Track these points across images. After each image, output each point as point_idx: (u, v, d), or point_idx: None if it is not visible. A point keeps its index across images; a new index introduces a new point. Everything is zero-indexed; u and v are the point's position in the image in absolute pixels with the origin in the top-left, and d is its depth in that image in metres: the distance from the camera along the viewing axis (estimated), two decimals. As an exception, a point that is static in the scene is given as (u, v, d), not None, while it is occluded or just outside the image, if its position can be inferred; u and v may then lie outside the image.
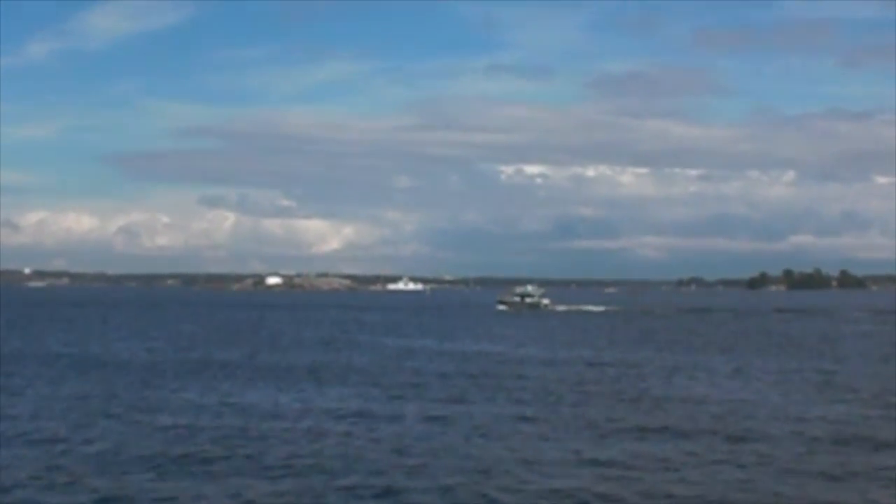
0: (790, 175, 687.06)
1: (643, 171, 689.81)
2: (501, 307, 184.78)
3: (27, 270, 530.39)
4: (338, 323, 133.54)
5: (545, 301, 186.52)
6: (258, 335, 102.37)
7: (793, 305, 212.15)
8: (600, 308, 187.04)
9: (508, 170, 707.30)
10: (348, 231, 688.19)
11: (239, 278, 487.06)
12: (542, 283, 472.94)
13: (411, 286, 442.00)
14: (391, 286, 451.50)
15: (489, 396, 49.16)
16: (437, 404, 45.88)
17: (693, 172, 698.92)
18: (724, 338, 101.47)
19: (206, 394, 49.34)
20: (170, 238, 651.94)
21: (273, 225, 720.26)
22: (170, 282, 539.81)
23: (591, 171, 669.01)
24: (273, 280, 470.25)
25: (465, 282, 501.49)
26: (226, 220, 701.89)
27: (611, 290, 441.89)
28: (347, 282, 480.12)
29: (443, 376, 59.38)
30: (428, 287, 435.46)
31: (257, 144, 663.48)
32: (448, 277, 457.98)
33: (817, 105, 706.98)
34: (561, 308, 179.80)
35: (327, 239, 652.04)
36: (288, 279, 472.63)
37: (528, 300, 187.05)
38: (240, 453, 33.27)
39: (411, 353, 79.03)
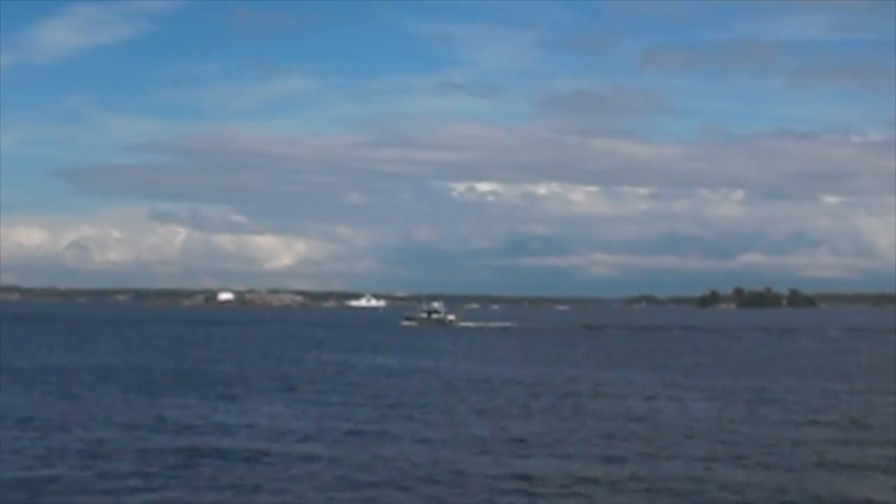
0: (739, 194, 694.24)
1: (594, 189, 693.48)
2: (407, 323, 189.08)
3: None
4: (280, 338, 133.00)
5: (451, 317, 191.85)
6: (203, 351, 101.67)
7: (711, 324, 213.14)
8: (505, 324, 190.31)
9: (460, 187, 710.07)
10: (300, 247, 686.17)
11: (190, 294, 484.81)
12: (494, 300, 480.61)
13: (374, 303, 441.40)
14: (353, 303, 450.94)
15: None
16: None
17: (643, 191, 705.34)
18: (613, 353, 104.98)
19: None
20: (121, 253, 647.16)
21: (225, 240, 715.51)
22: (121, 297, 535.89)
23: (542, 189, 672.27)
24: (225, 296, 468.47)
25: (418, 298, 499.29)
26: (177, 236, 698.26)
27: (562, 307, 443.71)
28: (300, 298, 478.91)
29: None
30: (380, 304, 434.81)
31: (209, 160, 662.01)
32: (401, 294, 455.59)
33: (766, 125, 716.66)
34: (466, 324, 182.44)
35: (279, 255, 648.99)
36: (240, 295, 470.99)
37: (434, 316, 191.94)
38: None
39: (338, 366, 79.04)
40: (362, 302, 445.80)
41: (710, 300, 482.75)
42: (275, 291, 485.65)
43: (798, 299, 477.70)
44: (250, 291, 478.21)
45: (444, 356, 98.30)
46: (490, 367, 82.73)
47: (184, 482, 31.71)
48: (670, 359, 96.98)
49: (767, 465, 35.66)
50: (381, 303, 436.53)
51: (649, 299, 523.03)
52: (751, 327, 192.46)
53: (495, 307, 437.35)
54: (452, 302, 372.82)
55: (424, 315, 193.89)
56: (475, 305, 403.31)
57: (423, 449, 38.42)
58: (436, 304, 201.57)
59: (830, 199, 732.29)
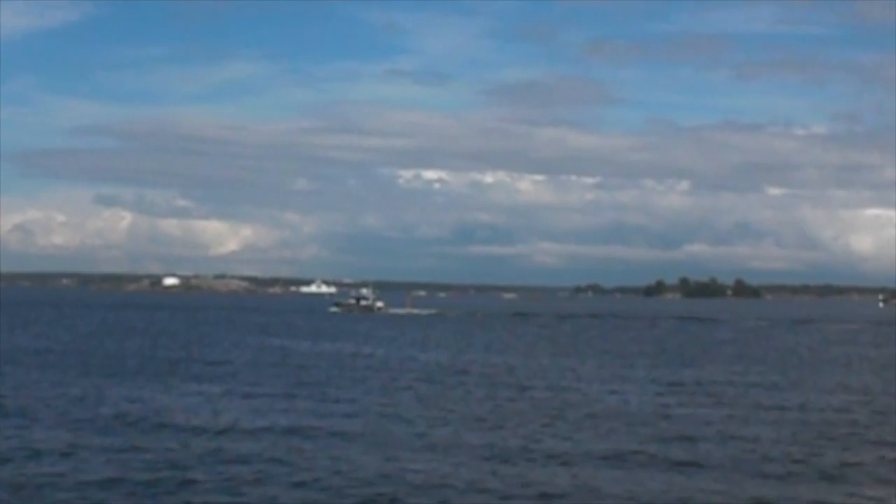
0: (685, 185, 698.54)
1: (540, 178, 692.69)
2: (335, 309, 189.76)
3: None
4: (218, 324, 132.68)
5: (379, 304, 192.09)
6: (141, 336, 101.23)
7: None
8: (432, 311, 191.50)
9: (407, 174, 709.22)
10: (247, 232, 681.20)
11: (135, 279, 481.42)
12: (441, 287, 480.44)
13: (324, 289, 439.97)
14: (304, 289, 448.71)
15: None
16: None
17: (590, 180, 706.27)
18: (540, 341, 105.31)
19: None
20: (65, 237, 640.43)
21: (170, 225, 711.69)
22: (65, 281, 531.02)
23: (489, 178, 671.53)
24: (170, 281, 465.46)
25: (365, 285, 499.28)
26: (122, 220, 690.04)
27: (509, 295, 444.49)
28: (246, 284, 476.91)
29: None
30: (331, 290, 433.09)
31: (155, 144, 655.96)
32: (348, 280, 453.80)
33: (712, 117, 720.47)
34: (395, 311, 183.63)
35: (225, 240, 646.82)
36: (185, 280, 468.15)
37: (363, 303, 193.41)
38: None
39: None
40: (313, 288, 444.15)
41: (655, 290, 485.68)
42: (221, 277, 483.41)
43: (743, 290, 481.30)
44: (196, 277, 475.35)
45: (383, 342, 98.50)
46: (427, 354, 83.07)
47: (108, 463, 31.69)
48: (582, 344, 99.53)
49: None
50: (332, 289, 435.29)
51: (596, 288, 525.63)
52: (668, 315, 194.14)
53: (442, 294, 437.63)
54: (399, 289, 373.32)
55: (353, 301, 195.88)
56: (422, 293, 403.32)
57: (345, 443, 38.43)
58: (364, 291, 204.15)
59: (775, 191, 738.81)
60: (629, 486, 29.49)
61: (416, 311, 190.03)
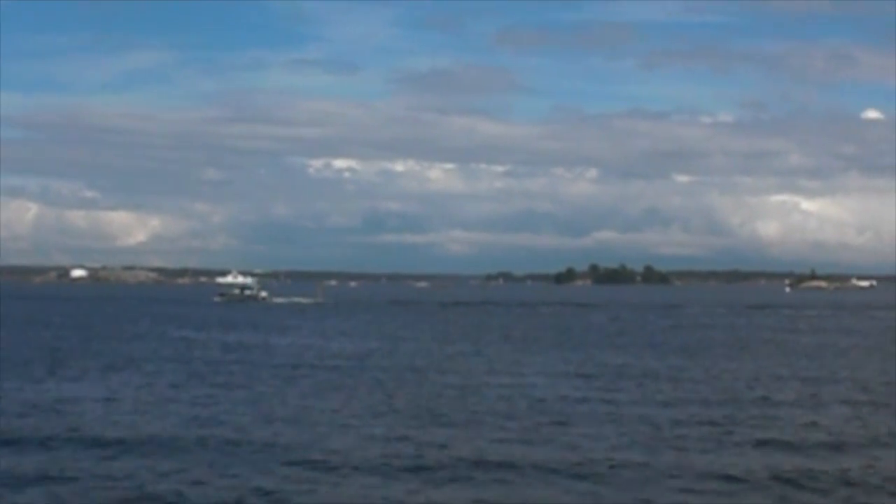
0: (593, 172, 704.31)
1: (450, 166, 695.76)
2: (219, 299, 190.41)
3: None
4: (120, 315, 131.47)
5: (263, 293, 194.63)
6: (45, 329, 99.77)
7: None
8: (312, 300, 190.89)
9: (317, 163, 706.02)
10: (155, 223, 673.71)
11: (42, 270, 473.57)
12: (352, 276, 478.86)
13: (240, 279, 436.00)
14: (220, 279, 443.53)
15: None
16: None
17: (499, 169, 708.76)
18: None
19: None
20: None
21: (77, 216, 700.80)
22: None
23: (399, 166, 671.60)
24: (78, 272, 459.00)
25: (276, 275, 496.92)
26: (27, 211, 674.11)
27: (421, 284, 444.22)
28: (154, 275, 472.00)
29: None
30: (247, 280, 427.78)
31: (61, 134, 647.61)
32: (258, 271, 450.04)
33: (619, 105, 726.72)
34: (278, 300, 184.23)
35: (133, 231, 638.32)
36: (93, 272, 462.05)
37: (247, 292, 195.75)
38: None
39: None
40: (229, 278, 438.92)
41: (566, 277, 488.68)
42: (129, 268, 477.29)
43: (652, 276, 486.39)
44: (104, 268, 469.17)
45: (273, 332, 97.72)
46: (331, 343, 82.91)
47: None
48: (461, 331, 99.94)
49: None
50: (249, 279, 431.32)
51: (506, 276, 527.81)
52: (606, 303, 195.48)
53: (353, 284, 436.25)
54: (310, 278, 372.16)
55: (237, 291, 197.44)
56: (333, 282, 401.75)
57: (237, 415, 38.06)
58: (249, 281, 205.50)
59: (682, 178, 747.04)
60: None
61: (299, 299, 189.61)
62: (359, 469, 28.87)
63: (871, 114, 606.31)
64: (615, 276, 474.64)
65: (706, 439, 33.66)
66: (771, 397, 45.05)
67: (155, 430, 34.95)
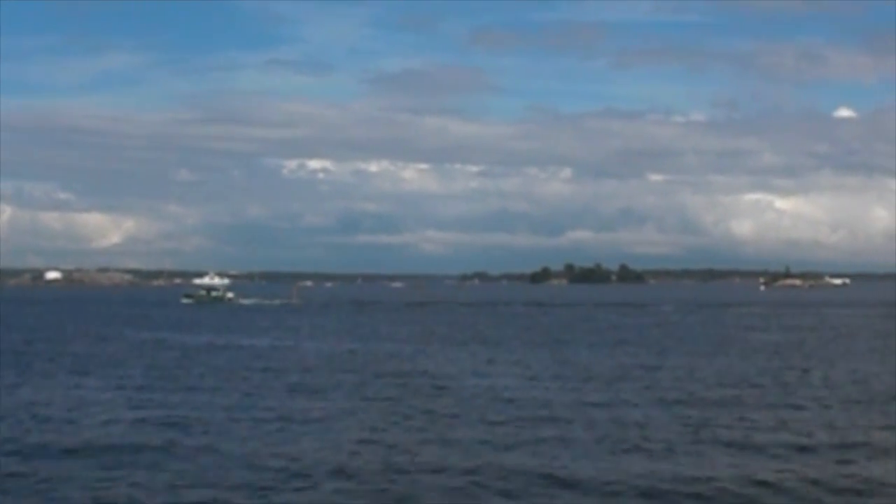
0: (567, 172, 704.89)
1: (425, 166, 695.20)
2: (186, 300, 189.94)
3: None
4: (92, 318, 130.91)
5: (229, 295, 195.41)
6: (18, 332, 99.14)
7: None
8: (284, 301, 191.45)
9: (291, 164, 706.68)
10: (129, 225, 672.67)
11: (16, 273, 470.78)
12: (327, 277, 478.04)
13: (217, 280, 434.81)
14: (197, 280, 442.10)
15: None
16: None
17: (474, 169, 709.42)
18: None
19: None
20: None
21: (51, 218, 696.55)
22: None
23: (373, 167, 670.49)
24: (52, 275, 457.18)
25: (251, 277, 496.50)
26: (1, 214, 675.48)
27: (397, 284, 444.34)
28: (129, 277, 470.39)
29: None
30: (224, 282, 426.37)
31: (34, 136, 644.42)
32: (233, 272, 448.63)
33: (592, 104, 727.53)
34: (245, 301, 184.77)
35: (107, 233, 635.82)
36: (67, 274, 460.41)
37: (213, 293, 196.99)
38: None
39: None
40: (206, 280, 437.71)
41: (541, 276, 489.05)
42: (104, 270, 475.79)
43: (627, 275, 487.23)
44: (78, 270, 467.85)
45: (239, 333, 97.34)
46: (303, 343, 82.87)
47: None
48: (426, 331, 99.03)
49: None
50: (226, 281, 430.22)
51: (482, 276, 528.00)
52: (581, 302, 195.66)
53: (329, 284, 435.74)
54: (285, 279, 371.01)
55: (203, 293, 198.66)
56: (309, 283, 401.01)
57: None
58: (217, 281, 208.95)
59: (656, 177, 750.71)
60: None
61: (266, 301, 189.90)
62: (326, 475, 28.60)
63: (844, 112, 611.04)
64: (590, 276, 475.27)
65: (674, 442, 33.47)
66: (741, 396, 45.04)
67: (117, 435, 34.65)
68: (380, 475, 28.52)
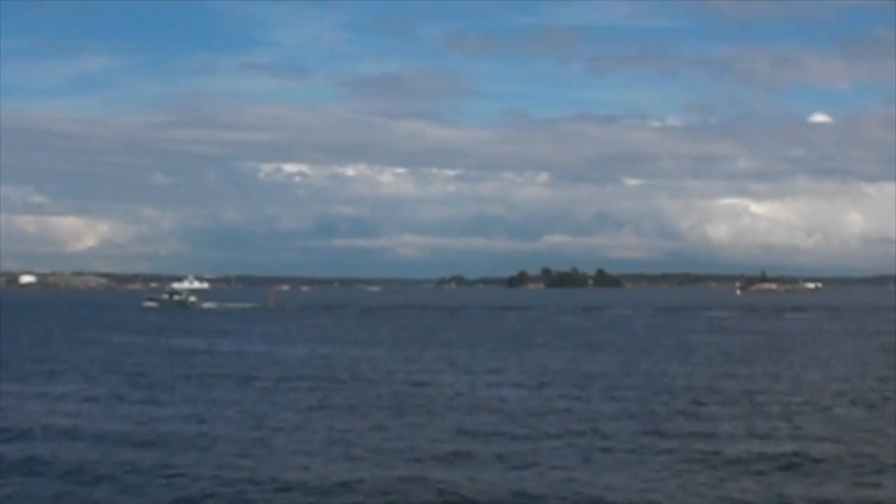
0: (544, 176, 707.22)
1: (401, 170, 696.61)
2: (149, 304, 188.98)
3: None
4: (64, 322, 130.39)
5: (192, 299, 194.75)
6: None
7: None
8: (247, 305, 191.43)
9: (267, 168, 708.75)
10: (104, 228, 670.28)
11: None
12: (304, 281, 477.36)
13: (196, 284, 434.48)
14: (176, 285, 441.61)
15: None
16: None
17: (450, 173, 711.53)
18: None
19: None
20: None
21: (25, 222, 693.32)
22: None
23: (350, 171, 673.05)
24: (27, 279, 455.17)
25: (227, 280, 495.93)
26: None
27: (374, 288, 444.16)
28: (105, 281, 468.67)
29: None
30: (204, 286, 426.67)
31: (8, 139, 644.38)
32: (209, 276, 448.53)
33: (568, 109, 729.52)
34: (207, 305, 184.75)
35: (82, 236, 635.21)
36: (42, 278, 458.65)
37: (175, 297, 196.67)
38: None
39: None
40: (185, 284, 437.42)
41: (518, 280, 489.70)
42: (79, 274, 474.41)
43: (604, 279, 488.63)
44: (53, 274, 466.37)
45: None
46: (276, 348, 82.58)
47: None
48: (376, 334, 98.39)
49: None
50: (205, 285, 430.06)
51: (459, 280, 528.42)
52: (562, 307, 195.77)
53: (305, 289, 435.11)
54: (262, 284, 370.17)
55: (166, 297, 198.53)
56: (285, 287, 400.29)
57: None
58: (185, 285, 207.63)
59: (632, 182, 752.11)
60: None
61: (230, 305, 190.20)
62: (291, 486, 28.36)
63: (819, 117, 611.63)
64: (567, 280, 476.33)
65: (636, 452, 33.21)
66: (706, 402, 44.96)
67: (82, 447, 34.33)
68: (341, 487, 28.20)
